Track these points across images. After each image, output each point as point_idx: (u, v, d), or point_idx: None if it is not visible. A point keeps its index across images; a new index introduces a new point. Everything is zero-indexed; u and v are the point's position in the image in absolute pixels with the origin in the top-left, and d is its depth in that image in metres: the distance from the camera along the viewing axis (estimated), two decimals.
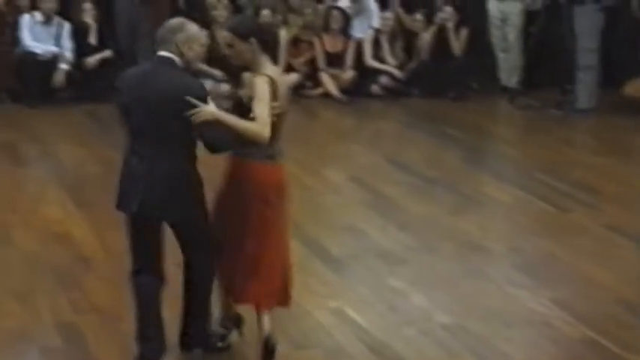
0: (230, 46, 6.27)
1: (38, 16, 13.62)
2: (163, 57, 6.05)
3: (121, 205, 6.25)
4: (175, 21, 6.24)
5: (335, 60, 14.44)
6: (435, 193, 10.23)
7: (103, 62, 13.88)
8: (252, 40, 6.17)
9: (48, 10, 13.60)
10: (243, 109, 6.06)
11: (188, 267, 6.40)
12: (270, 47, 6.35)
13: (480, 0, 14.74)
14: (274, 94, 6.07)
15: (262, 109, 5.97)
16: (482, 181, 10.83)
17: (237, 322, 6.67)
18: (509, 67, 14.63)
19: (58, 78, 13.59)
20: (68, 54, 13.67)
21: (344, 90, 14.20)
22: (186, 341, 6.46)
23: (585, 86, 13.47)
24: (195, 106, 5.84)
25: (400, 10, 15.05)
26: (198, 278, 6.37)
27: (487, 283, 7.93)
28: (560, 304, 7.47)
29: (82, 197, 9.83)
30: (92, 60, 13.81)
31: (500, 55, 14.72)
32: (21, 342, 6.92)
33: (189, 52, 6.07)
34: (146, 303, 6.30)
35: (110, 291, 7.67)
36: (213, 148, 6.05)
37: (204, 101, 5.92)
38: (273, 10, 14.72)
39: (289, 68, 14.39)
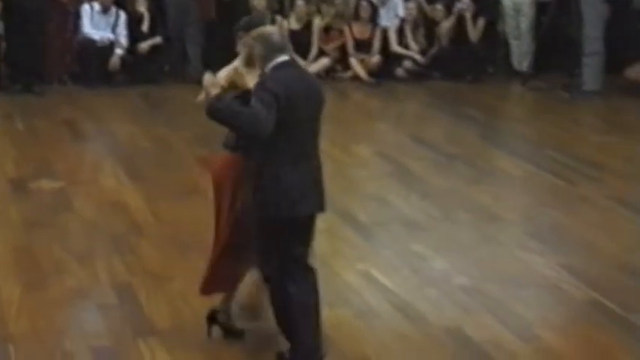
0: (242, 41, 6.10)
1: (97, 6, 13.62)
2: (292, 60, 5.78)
3: (293, 210, 5.64)
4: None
5: (363, 46, 14.39)
6: (454, 167, 10.17)
7: (154, 48, 13.88)
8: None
9: (105, 1, 13.60)
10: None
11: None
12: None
13: None
14: None
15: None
16: (497, 157, 10.77)
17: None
18: (521, 52, 14.56)
19: (114, 62, 13.60)
20: (123, 40, 13.67)
21: (371, 73, 14.16)
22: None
23: (591, 70, 13.38)
24: None
25: (422, 1, 14.97)
26: None
27: (501, 248, 7.89)
28: (567, 268, 7.42)
29: (135, 170, 9.82)
30: (144, 46, 13.79)
31: (513, 42, 14.67)
32: (81, 299, 6.94)
33: None
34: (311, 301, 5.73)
35: (160, 255, 7.68)
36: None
37: None
38: (307, 1, 14.69)
39: (321, 53, 14.39)
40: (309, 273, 5.73)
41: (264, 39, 5.68)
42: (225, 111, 5.48)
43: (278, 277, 5.67)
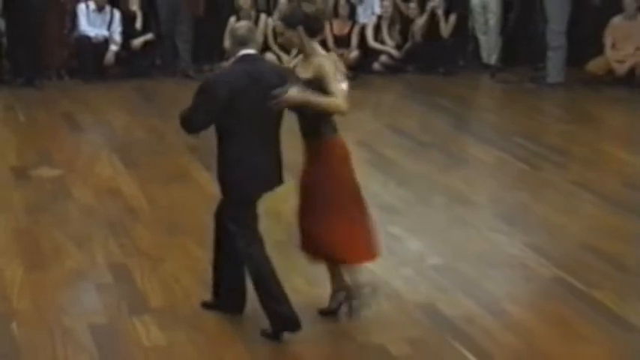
0: (281, 34, 6.09)
1: (92, 5, 13.55)
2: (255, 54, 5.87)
3: (252, 189, 5.91)
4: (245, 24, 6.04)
5: (342, 41, 14.33)
6: (428, 154, 10.17)
7: (147, 44, 13.83)
8: (300, 27, 5.86)
9: (100, 0, 13.55)
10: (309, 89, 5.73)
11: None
12: (317, 34, 5.96)
13: None
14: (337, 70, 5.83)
15: (336, 84, 5.71)
16: (468, 144, 10.78)
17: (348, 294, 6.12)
18: (489, 47, 14.56)
19: (109, 58, 13.55)
20: (117, 37, 13.62)
21: (350, 67, 14.06)
22: None
23: (555, 63, 13.40)
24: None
25: None
26: None
27: (472, 230, 7.89)
28: (534, 247, 7.43)
29: (130, 158, 9.79)
30: (137, 42, 13.74)
31: (482, 37, 14.67)
32: (79, 280, 6.93)
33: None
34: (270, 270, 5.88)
35: (154, 237, 7.66)
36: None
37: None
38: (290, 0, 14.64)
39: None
40: (263, 244, 5.93)
41: (231, 33, 5.92)
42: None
43: (248, 250, 5.83)
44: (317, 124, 5.83)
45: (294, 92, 5.63)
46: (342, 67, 6.01)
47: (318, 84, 5.73)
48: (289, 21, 5.94)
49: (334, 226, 5.86)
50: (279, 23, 6.03)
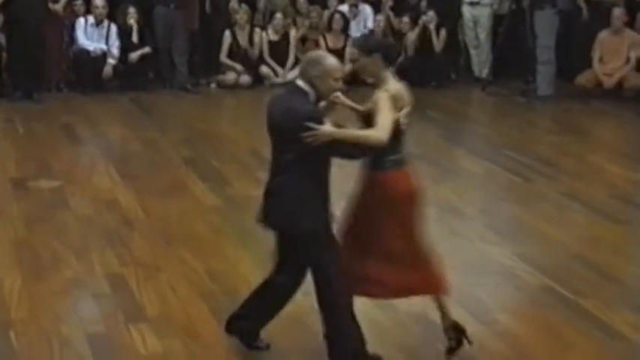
0: (356, 60, 5.96)
1: (91, 19, 13.60)
2: (296, 86, 5.44)
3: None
4: (315, 54, 5.70)
5: (336, 55, 14.22)
6: (420, 166, 10.07)
7: (144, 57, 13.85)
8: (376, 55, 5.60)
9: (99, 15, 13.59)
10: (368, 122, 5.51)
11: None
12: (393, 62, 5.77)
13: (455, 5, 14.70)
14: (396, 106, 5.48)
15: (383, 118, 5.37)
16: (459, 156, 10.80)
17: (457, 329, 5.89)
18: (480, 61, 14.63)
19: (107, 71, 13.58)
20: (115, 51, 13.65)
21: (343, 80, 14.04)
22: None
23: (544, 77, 13.46)
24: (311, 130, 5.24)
25: (390, 14, 15.01)
26: None
27: (463, 240, 7.91)
28: (523, 257, 7.45)
29: (127, 170, 9.80)
30: (134, 56, 13.76)
31: (473, 52, 14.74)
32: (77, 289, 6.92)
33: (322, 85, 5.43)
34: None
35: (150, 247, 7.66)
36: (351, 158, 5.57)
37: (320, 123, 5.28)
38: (285, 14, 14.70)
39: (298, 62, 14.38)
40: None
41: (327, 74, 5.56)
42: None
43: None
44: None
45: (328, 129, 5.33)
46: (406, 97, 5.65)
47: (373, 116, 5.48)
48: (366, 46, 5.71)
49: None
50: (354, 50, 5.76)
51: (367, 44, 5.77)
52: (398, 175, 5.63)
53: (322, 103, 5.55)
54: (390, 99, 5.47)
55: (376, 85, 5.63)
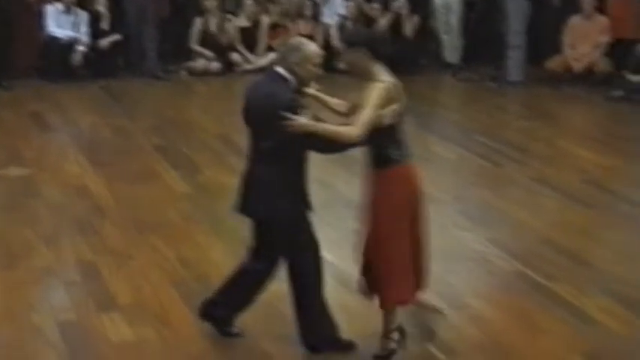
0: (342, 56, 5.82)
1: (60, 6, 13.49)
2: (276, 73, 5.38)
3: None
4: (295, 40, 5.59)
5: None
6: None
7: (114, 45, 13.76)
8: (362, 49, 5.41)
9: (68, 2, 13.48)
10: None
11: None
12: (382, 56, 5.51)
13: None
14: (389, 99, 5.36)
15: (364, 114, 5.23)
16: (430, 142, 10.79)
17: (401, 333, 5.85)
18: (451, 46, 14.64)
19: (76, 58, 13.47)
20: (84, 38, 13.55)
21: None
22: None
23: (515, 62, 13.50)
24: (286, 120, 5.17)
25: (361, 0, 14.98)
26: None
27: (436, 226, 7.80)
28: (495, 243, 7.48)
29: (97, 157, 9.75)
30: (104, 42, 13.67)
31: (444, 37, 14.73)
32: (48, 277, 6.89)
33: (302, 71, 5.39)
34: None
35: (122, 235, 7.63)
36: (324, 152, 5.50)
37: (295, 114, 5.20)
38: (256, 1, 14.64)
39: (269, 48, 14.34)
40: None
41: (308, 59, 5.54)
42: None
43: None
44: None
45: (303, 121, 5.25)
46: (398, 92, 5.49)
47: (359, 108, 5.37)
48: (352, 41, 5.56)
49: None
50: (342, 45, 5.60)
51: (351, 38, 5.65)
52: (401, 172, 5.58)
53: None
54: (384, 90, 5.36)
55: (368, 79, 5.46)
